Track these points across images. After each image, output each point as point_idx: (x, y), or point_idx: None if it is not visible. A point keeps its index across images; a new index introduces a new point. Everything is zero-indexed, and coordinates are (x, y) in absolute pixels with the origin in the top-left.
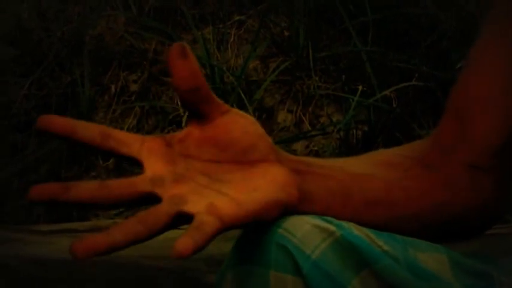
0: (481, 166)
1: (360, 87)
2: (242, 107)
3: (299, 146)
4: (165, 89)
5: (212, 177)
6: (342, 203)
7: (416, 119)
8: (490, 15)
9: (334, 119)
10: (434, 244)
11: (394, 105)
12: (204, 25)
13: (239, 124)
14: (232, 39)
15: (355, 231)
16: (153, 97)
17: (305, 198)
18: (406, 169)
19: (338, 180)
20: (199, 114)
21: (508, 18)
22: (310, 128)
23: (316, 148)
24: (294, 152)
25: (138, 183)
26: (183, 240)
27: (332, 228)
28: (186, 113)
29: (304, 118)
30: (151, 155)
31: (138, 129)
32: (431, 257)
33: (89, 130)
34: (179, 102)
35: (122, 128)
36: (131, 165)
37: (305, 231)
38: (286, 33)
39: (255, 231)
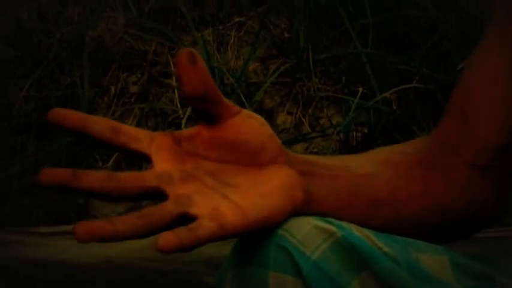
0: (482, 166)
1: (360, 89)
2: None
3: (299, 147)
4: (165, 90)
5: (219, 179)
6: (347, 204)
7: (416, 121)
8: (493, 17)
9: (334, 121)
10: (435, 245)
11: (394, 108)
12: (204, 27)
13: (248, 125)
14: (232, 40)
15: (356, 232)
16: (153, 99)
17: (310, 199)
18: (408, 168)
19: (343, 181)
20: (209, 117)
21: (511, 20)
22: (310, 130)
23: (315, 150)
24: None
25: (146, 178)
26: (167, 236)
27: (333, 229)
28: (186, 115)
29: (304, 120)
30: (161, 151)
31: None
32: (432, 258)
33: (99, 124)
34: (179, 104)
35: None
36: (140, 161)
37: (305, 232)
38: (286, 35)
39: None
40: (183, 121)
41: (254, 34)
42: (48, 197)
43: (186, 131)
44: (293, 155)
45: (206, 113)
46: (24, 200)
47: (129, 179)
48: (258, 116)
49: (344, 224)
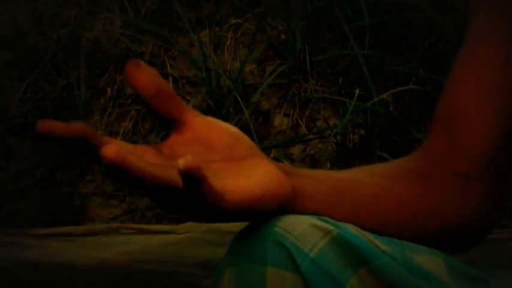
0: (471, 175)
1: (357, 91)
2: (238, 110)
3: (295, 150)
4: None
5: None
6: (335, 204)
7: (413, 123)
8: (471, 23)
9: (331, 123)
10: (429, 248)
11: (392, 109)
12: (200, 28)
13: (216, 124)
14: (228, 42)
15: (353, 230)
16: None
17: (298, 195)
18: (394, 177)
19: (327, 183)
20: (172, 121)
21: (490, 26)
22: (306, 132)
23: (312, 152)
24: (290, 156)
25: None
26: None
27: (329, 227)
28: None
29: (300, 122)
30: (145, 157)
31: (134, 132)
32: (428, 260)
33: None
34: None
35: (117, 132)
36: None
37: (302, 230)
38: (283, 37)
39: (251, 229)
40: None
41: (251, 36)
42: (44, 199)
43: (163, 142)
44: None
45: (168, 114)
46: (20, 202)
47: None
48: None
49: (340, 223)
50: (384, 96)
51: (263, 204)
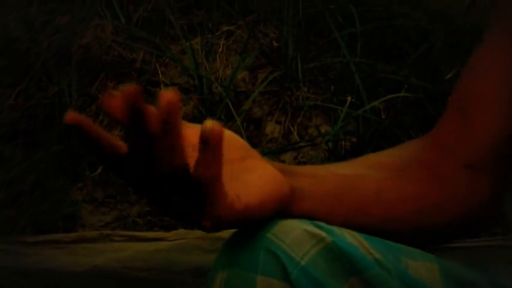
0: (478, 166)
1: (349, 98)
2: (230, 117)
3: (287, 157)
4: (152, 99)
5: None
6: (334, 203)
7: (405, 131)
8: (492, 20)
9: (323, 130)
10: (426, 253)
11: (383, 117)
12: (192, 35)
13: None
14: (220, 49)
15: (348, 237)
16: None
17: (296, 195)
18: (398, 169)
19: (327, 181)
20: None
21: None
22: (298, 139)
23: (304, 159)
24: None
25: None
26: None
27: (323, 234)
28: None
29: (292, 129)
30: None
31: (124, 139)
32: (422, 266)
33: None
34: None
35: None
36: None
37: (295, 237)
38: (275, 44)
39: (243, 235)
40: None
41: (243, 43)
42: (35, 206)
43: None
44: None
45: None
46: (11, 209)
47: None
48: None
49: (335, 228)
50: (376, 103)
51: (263, 209)
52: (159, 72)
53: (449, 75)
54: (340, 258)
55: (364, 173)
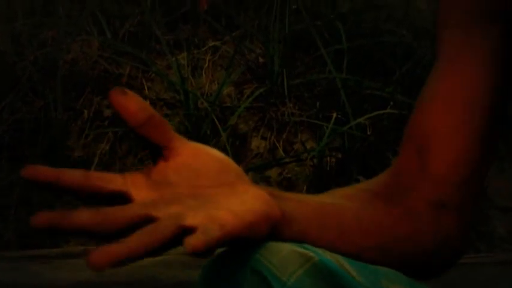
0: (442, 202)
1: (334, 115)
2: (216, 133)
3: (273, 173)
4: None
5: (199, 200)
6: (318, 228)
7: (390, 147)
8: (441, 43)
9: (308, 146)
10: (403, 276)
11: (369, 133)
12: (178, 51)
13: (203, 151)
14: (206, 65)
15: (331, 259)
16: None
17: (286, 217)
18: (369, 201)
19: (312, 207)
20: (161, 148)
21: (459, 45)
22: (283, 155)
23: (289, 175)
24: (267, 179)
25: (132, 208)
26: (195, 239)
27: (310, 253)
28: None
29: (278, 145)
30: (137, 186)
31: (110, 154)
32: None
33: (72, 173)
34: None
35: (94, 154)
36: (115, 203)
37: (282, 257)
38: (261, 60)
39: (231, 254)
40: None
41: (229, 58)
42: (20, 220)
43: (151, 166)
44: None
45: (157, 140)
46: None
47: (115, 211)
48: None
49: (319, 250)
50: (361, 120)
51: (256, 229)
52: (145, 87)
53: None
54: (326, 278)
55: (343, 203)
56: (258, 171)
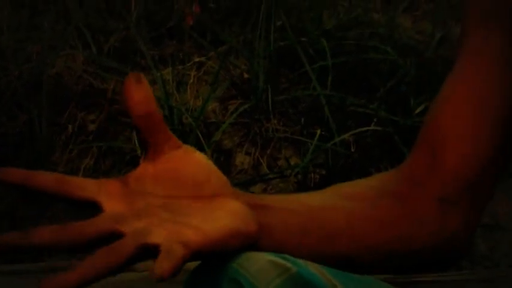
0: (450, 199)
1: (319, 131)
2: (200, 148)
3: (257, 188)
4: (123, 129)
5: (173, 212)
6: (302, 236)
7: (374, 164)
8: (463, 42)
9: (292, 162)
10: (386, 285)
11: (353, 150)
12: (163, 66)
13: (192, 159)
14: (191, 80)
15: (311, 269)
16: (111, 137)
17: (263, 231)
18: (372, 199)
19: (295, 214)
20: (152, 146)
21: (480, 45)
22: (268, 171)
23: (274, 191)
24: None
25: (99, 222)
26: (160, 264)
27: (288, 264)
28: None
29: (262, 161)
30: (110, 196)
31: (94, 169)
32: None
33: (43, 176)
34: (137, 143)
35: (78, 168)
36: (88, 209)
37: (259, 266)
38: (245, 76)
39: (209, 265)
40: (141, 160)
41: (214, 74)
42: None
43: (132, 172)
44: (241, 192)
45: (150, 138)
46: None
47: (81, 226)
48: (200, 152)
49: (300, 260)
50: (345, 136)
51: (223, 246)
52: None
53: (419, 109)
54: None
55: (336, 203)
56: (242, 187)
